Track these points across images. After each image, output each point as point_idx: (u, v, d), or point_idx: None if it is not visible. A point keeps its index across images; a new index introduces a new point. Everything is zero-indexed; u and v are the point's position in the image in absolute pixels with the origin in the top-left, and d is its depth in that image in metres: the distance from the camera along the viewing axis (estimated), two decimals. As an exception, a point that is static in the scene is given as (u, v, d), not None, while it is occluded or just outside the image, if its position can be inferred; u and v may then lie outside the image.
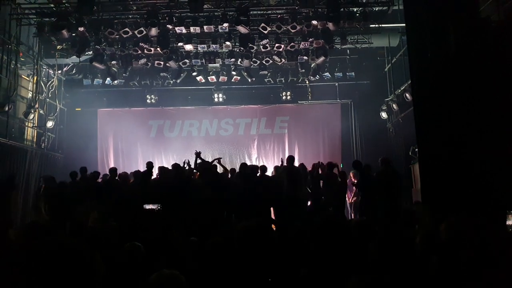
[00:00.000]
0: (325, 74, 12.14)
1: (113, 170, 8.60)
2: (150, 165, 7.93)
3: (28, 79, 11.66)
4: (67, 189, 8.09)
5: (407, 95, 10.46)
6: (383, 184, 7.53)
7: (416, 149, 8.68)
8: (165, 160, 12.06)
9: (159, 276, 1.89)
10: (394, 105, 11.62)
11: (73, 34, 9.96)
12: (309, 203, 7.95)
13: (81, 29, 9.62)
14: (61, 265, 1.01)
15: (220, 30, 10.06)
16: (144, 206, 6.63)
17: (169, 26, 9.97)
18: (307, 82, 12.65)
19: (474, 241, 1.85)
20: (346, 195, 9.08)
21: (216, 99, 12.85)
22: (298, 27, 10.03)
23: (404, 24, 8.40)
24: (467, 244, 1.86)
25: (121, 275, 2.97)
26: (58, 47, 11.05)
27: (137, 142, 13.07)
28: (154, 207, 6.59)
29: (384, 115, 12.36)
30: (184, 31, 10.05)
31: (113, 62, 11.36)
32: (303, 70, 12.02)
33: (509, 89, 5.64)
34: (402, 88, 11.08)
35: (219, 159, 8.61)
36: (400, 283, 2.15)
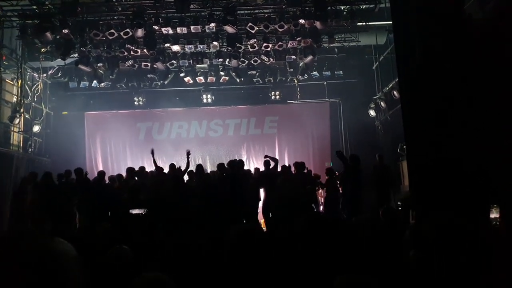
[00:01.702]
0: (313, 73, 12.15)
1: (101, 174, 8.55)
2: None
3: (12, 83, 11.42)
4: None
5: (394, 92, 10.52)
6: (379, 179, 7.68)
7: (404, 146, 8.75)
8: (154, 162, 11.93)
9: (142, 280, 1.82)
10: (382, 103, 11.69)
11: (57, 36, 9.83)
12: None
13: (65, 31, 9.46)
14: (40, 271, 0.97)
15: (207, 30, 10.00)
16: (130, 211, 6.58)
17: (155, 27, 9.87)
18: (295, 82, 12.65)
19: (456, 237, 1.84)
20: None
21: (204, 100, 12.77)
22: (286, 26, 10.01)
23: (391, 22, 8.44)
24: (449, 241, 1.85)
25: (108, 278, 2.92)
26: (42, 49, 10.86)
27: (126, 145, 12.93)
28: (140, 212, 6.55)
29: (372, 113, 12.42)
30: (170, 31, 9.97)
31: (99, 64, 11.20)
32: (292, 70, 12.01)
33: (495, 86, 5.69)
34: (389, 86, 11.15)
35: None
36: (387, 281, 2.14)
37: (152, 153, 8.07)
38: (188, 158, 8.08)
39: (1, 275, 0.98)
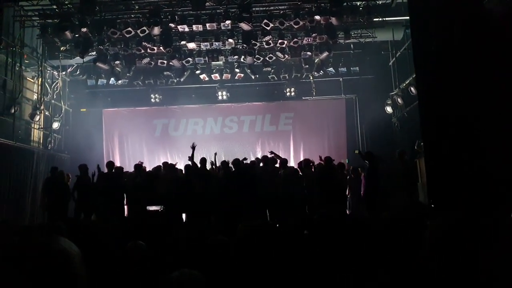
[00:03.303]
0: (329, 69, 12.06)
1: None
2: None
3: (33, 81, 11.72)
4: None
5: (412, 88, 10.37)
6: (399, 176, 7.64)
7: (422, 143, 8.63)
8: (170, 159, 12.06)
9: (180, 275, 1.87)
10: (399, 99, 11.52)
11: (76, 35, 10.01)
12: None
13: (84, 29, 9.66)
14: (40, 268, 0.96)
15: (222, 28, 10.04)
16: (148, 207, 6.67)
17: (172, 25, 9.97)
18: (311, 78, 12.58)
19: (466, 238, 1.82)
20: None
21: (220, 97, 12.83)
22: (301, 23, 9.97)
23: (408, 17, 8.32)
24: (457, 241, 1.83)
25: (124, 273, 2.98)
26: (62, 48, 11.11)
27: (143, 141, 13.11)
28: (158, 208, 6.63)
29: (389, 109, 12.25)
30: (186, 29, 10.04)
31: (117, 62, 11.39)
32: (307, 66, 11.96)
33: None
34: (407, 82, 10.98)
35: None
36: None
37: (193, 148, 8.06)
38: (215, 158, 8.33)
39: (5, 270, 0.96)
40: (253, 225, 2.18)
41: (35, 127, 11.44)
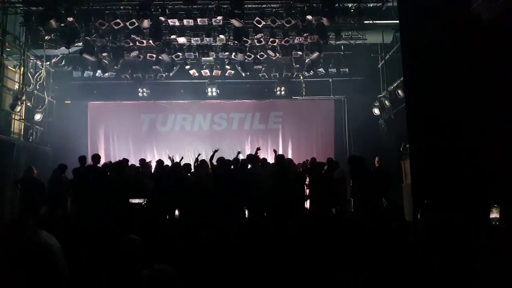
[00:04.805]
0: (319, 69, 12.10)
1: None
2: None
3: (14, 70, 11.34)
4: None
5: (399, 91, 10.51)
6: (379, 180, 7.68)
7: (407, 145, 8.73)
8: (157, 154, 11.93)
9: (152, 271, 1.85)
10: (386, 102, 11.66)
11: (62, 25, 9.73)
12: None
13: (70, 19, 9.39)
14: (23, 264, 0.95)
15: (214, 23, 9.94)
16: (130, 200, 6.53)
17: (162, 18, 9.82)
18: (301, 78, 12.61)
19: (449, 237, 1.83)
20: None
21: (209, 93, 12.73)
22: (293, 22, 9.97)
23: (397, 21, 8.41)
24: (442, 240, 1.83)
25: (118, 267, 2.96)
26: (46, 37, 10.74)
27: (129, 136, 12.91)
28: (141, 201, 6.50)
29: (376, 111, 12.38)
30: (177, 23, 9.91)
31: (104, 54, 11.15)
32: (298, 65, 11.99)
33: (501, 86, 5.67)
34: (394, 85, 11.12)
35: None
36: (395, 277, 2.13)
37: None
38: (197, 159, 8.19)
39: None
40: (250, 223, 2.14)
41: (16, 118, 11.10)
